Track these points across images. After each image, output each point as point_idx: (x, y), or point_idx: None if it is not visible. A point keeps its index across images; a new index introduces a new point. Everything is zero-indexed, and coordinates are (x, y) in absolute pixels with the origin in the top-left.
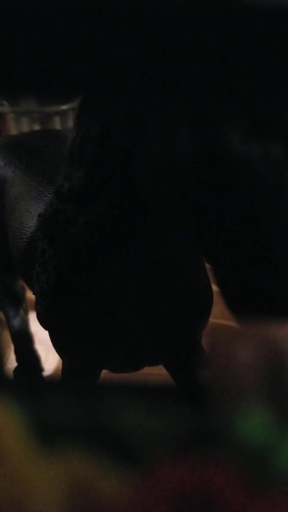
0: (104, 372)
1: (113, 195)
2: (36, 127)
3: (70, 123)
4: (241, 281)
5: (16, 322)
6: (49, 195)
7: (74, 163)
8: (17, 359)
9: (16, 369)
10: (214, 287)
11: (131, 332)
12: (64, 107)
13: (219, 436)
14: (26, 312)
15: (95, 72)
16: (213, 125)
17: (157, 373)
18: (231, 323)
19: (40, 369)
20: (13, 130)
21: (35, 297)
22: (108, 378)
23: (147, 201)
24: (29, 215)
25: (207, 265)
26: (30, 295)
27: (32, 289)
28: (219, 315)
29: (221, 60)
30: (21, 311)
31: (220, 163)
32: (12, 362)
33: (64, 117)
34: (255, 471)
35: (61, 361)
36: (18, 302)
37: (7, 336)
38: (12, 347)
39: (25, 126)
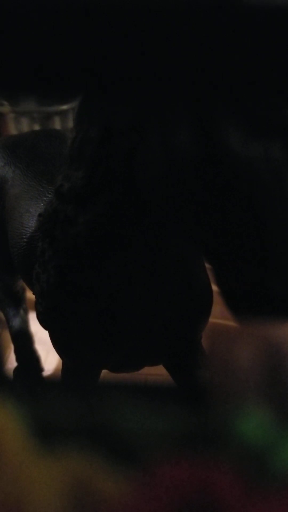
0: (104, 372)
1: (113, 195)
2: (36, 127)
3: (70, 123)
4: (241, 281)
5: (16, 322)
6: (49, 195)
7: (74, 163)
8: (17, 359)
9: (16, 369)
10: (214, 287)
11: (131, 332)
12: (64, 107)
13: (219, 436)
14: (26, 312)
15: (95, 72)
16: (213, 125)
17: (157, 373)
18: (231, 323)
19: (40, 369)
20: (13, 130)
21: (35, 297)
22: (108, 378)
23: (147, 201)
24: (29, 215)
25: (207, 265)
26: (30, 295)
27: (32, 289)
28: (219, 315)
29: (221, 60)
30: (21, 311)
31: (220, 163)
32: (12, 362)
33: (64, 117)
34: (255, 471)
35: (61, 361)
36: (18, 302)
37: (7, 336)
38: (12, 347)
39: (25, 126)
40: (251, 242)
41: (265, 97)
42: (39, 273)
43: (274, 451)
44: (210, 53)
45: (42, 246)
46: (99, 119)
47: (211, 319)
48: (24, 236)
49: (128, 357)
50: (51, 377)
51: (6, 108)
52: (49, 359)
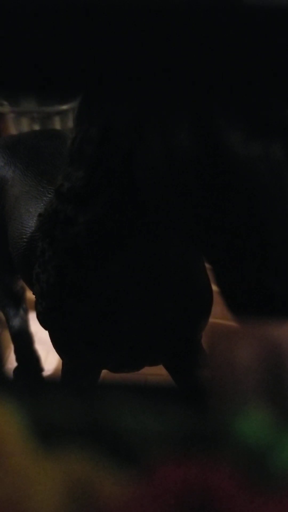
0: (104, 372)
1: (113, 194)
2: (36, 127)
3: (70, 123)
4: (241, 281)
5: (16, 322)
6: (49, 195)
7: (74, 163)
8: (17, 359)
9: (16, 369)
10: (214, 287)
11: (131, 332)
12: (64, 107)
13: (219, 436)
14: (26, 312)
15: (95, 72)
16: (213, 125)
17: (157, 373)
18: (231, 323)
19: (40, 369)
20: (13, 130)
21: (35, 297)
22: (108, 378)
23: (147, 200)
24: (29, 215)
25: (207, 265)
26: (30, 295)
27: (32, 289)
28: (219, 315)
29: (221, 60)
30: (21, 311)
31: (220, 163)
32: (12, 362)
33: (64, 117)
34: (255, 471)
35: (61, 361)
36: (18, 302)
37: (7, 336)
38: (12, 347)
39: (25, 126)
40: (251, 242)
41: (265, 97)
42: (39, 273)
43: (274, 451)
44: (210, 53)
45: (42, 246)
46: (99, 119)
47: (211, 319)
48: (24, 236)
49: (128, 357)
50: (51, 377)
51: (6, 108)
52: (49, 359)
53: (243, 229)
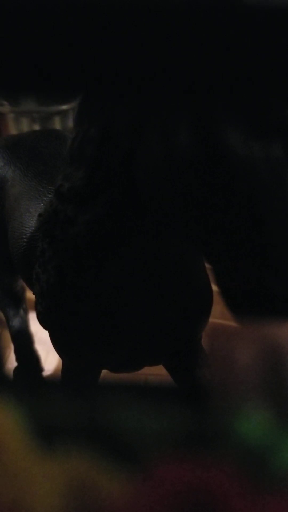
0: (104, 372)
1: (113, 195)
2: (36, 127)
3: (70, 123)
4: (241, 281)
5: (16, 322)
6: (49, 195)
7: (74, 163)
8: (17, 359)
9: (16, 369)
10: (214, 287)
11: (131, 332)
12: (64, 107)
13: (219, 436)
14: (26, 312)
15: (95, 72)
16: (213, 125)
17: (157, 373)
18: (231, 323)
19: (40, 369)
20: (13, 130)
21: (35, 297)
22: (108, 378)
23: (147, 201)
24: (29, 215)
25: (207, 265)
26: (30, 295)
27: (32, 289)
28: (219, 315)
29: (221, 60)
30: (21, 311)
31: (220, 163)
32: (12, 362)
33: (64, 117)
34: (255, 471)
35: (61, 361)
36: (18, 302)
37: (7, 336)
38: (12, 347)
39: (25, 126)
40: (251, 242)
41: (265, 97)
42: (39, 273)
43: (274, 451)
44: (210, 53)
45: (42, 246)
46: (99, 119)
47: (211, 319)
48: (24, 236)
49: (128, 357)
50: (51, 377)
51: (6, 108)
52: (49, 359)
53: (243, 229)
